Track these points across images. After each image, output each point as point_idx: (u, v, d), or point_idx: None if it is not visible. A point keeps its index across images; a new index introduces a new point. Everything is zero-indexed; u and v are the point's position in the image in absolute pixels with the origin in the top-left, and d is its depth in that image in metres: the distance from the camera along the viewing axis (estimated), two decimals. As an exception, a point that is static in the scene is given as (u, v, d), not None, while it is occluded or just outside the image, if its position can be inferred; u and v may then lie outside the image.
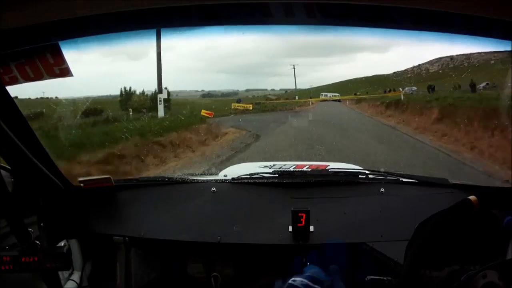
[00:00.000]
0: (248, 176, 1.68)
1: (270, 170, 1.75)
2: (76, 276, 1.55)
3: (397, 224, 1.41)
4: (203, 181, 1.70)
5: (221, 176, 1.79)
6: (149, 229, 1.52)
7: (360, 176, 1.69)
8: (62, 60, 1.05)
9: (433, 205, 1.13)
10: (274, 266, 1.63)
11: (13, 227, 1.16)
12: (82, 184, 1.55)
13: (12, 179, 1.37)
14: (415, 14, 0.86)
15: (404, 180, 1.65)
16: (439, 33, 0.94)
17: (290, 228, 1.44)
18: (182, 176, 1.79)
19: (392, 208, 1.52)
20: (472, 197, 1.02)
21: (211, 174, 1.99)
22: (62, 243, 1.31)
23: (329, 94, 10.09)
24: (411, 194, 1.60)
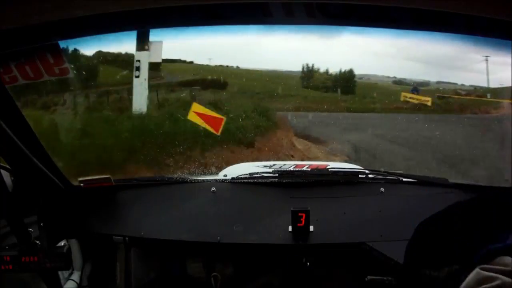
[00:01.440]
0: (248, 176, 1.67)
1: (270, 170, 1.74)
2: (76, 276, 1.55)
3: (397, 224, 1.41)
4: (203, 181, 1.70)
5: (221, 176, 1.78)
6: (149, 229, 1.52)
7: (360, 176, 1.68)
8: (62, 60, 1.06)
9: (433, 205, 1.12)
10: (274, 266, 1.63)
11: (13, 227, 1.16)
12: (82, 184, 1.55)
13: (12, 179, 1.37)
14: (415, 14, 0.86)
15: (404, 180, 1.65)
16: (441, 33, 0.94)
17: (290, 228, 1.44)
18: (182, 176, 1.79)
19: (392, 208, 1.52)
20: None
21: (211, 174, 1.98)
22: (62, 243, 1.31)
23: (522, 96, 8.95)
24: (411, 194, 1.59)
